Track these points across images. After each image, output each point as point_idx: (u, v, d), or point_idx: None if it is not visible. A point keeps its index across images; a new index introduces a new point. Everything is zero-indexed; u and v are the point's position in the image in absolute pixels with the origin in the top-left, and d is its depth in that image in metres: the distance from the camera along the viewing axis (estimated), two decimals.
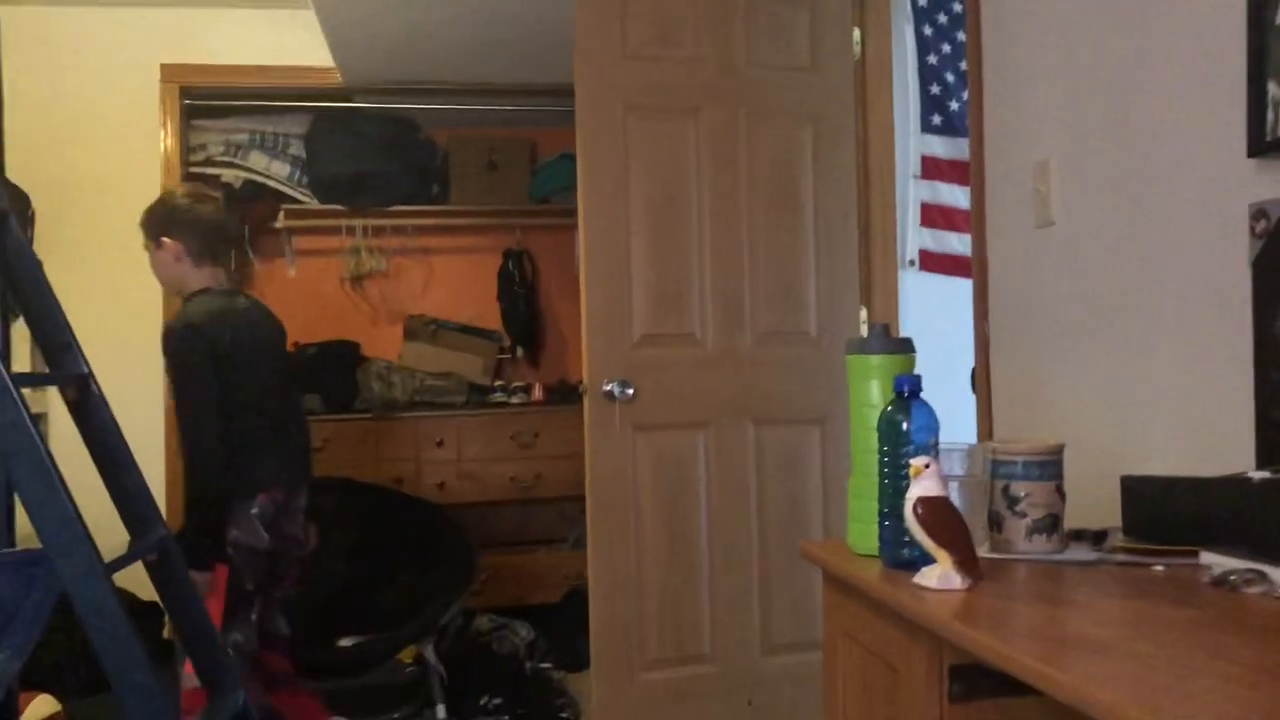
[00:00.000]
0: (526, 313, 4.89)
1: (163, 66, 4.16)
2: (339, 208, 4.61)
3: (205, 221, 2.72)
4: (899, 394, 1.42)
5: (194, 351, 2.55)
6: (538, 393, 4.64)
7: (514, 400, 4.62)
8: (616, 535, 2.87)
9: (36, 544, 1.67)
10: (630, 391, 2.86)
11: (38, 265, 1.91)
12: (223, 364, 2.57)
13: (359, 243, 4.73)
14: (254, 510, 2.61)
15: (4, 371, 1.59)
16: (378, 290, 4.89)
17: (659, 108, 2.96)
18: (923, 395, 1.42)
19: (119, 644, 1.62)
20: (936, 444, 1.40)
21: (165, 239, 2.68)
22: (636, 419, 2.88)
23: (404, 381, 4.52)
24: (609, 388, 2.85)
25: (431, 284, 4.94)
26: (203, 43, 4.16)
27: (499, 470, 4.42)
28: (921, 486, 1.31)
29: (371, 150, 4.50)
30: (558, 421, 4.40)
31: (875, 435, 1.44)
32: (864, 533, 1.49)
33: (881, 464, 1.43)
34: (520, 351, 4.90)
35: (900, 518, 1.36)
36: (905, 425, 1.39)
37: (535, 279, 4.97)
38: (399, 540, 3.88)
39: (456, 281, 4.94)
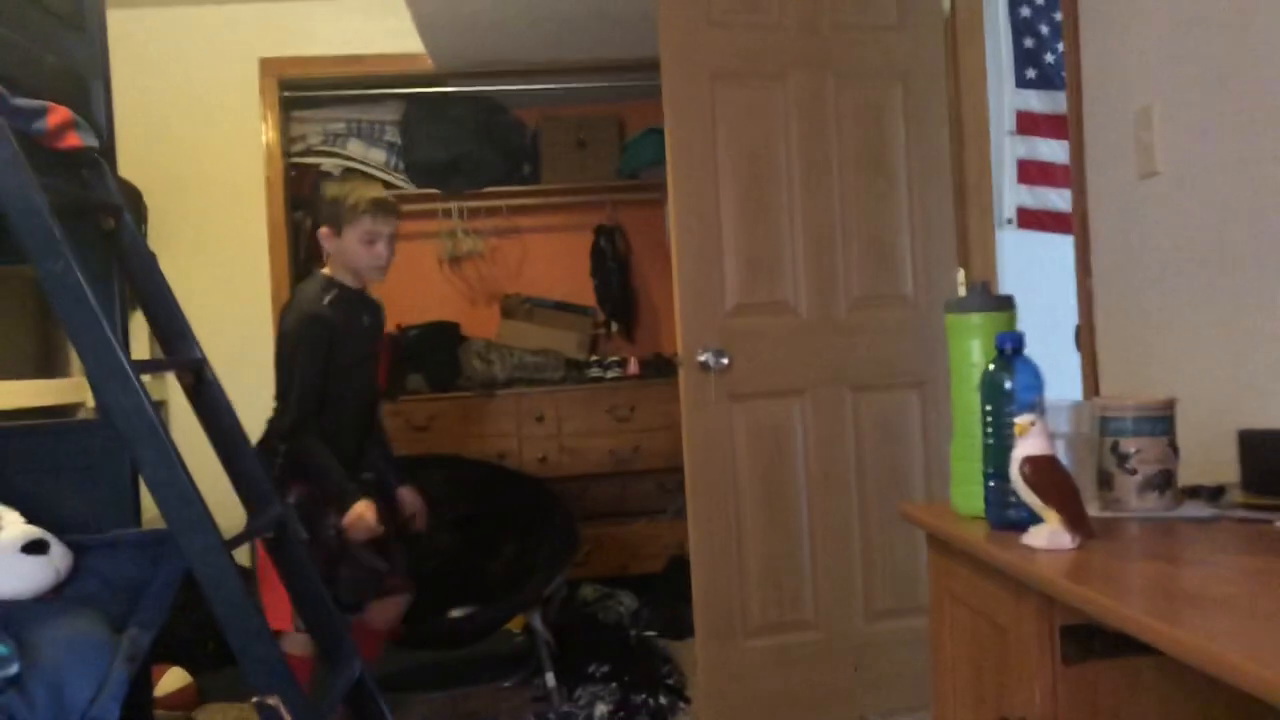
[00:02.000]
0: (620, 288, 4.92)
1: (261, 60, 4.27)
2: (434, 191, 4.69)
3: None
4: (1001, 351, 1.39)
5: None
6: (633, 366, 4.67)
7: (610, 375, 4.65)
8: (716, 505, 2.88)
9: (161, 525, 1.75)
10: (725, 361, 2.86)
11: (152, 258, 1.99)
12: None
13: (455, 225, 4.80)
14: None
15: (125, 359, 1.66)
16: (475, 271, 4.97)
17: (745, 74, 2.94)
18: (1025, 353, 1.39)
19: (240, 617, 1.68)
20: (1042, 401, 1.38)
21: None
22: (732, 388, 2.88)
23: (503, 359, 4.59)
24: (704, 358, 2.85)
25: (526, 263, 5.00)
26: (299, 36, 4.26)
27: (598, 444, 4.46)
28: (1028, 445, 1.29)
29: (464, 134, 4.56)
30: (654, 394, 4.43)
31: (977, 395, 1.42)
32: (969, 494, 1.47)
33: (985, 424, 1.41)
34: (615, 326, 4.93)
35: (1006, 478, 1.34)
36: (1008, 383, 1.37)
37: (628, 254, 4.99)
38: (504, 514, 3.95)
39: (550, 259, 4.99)
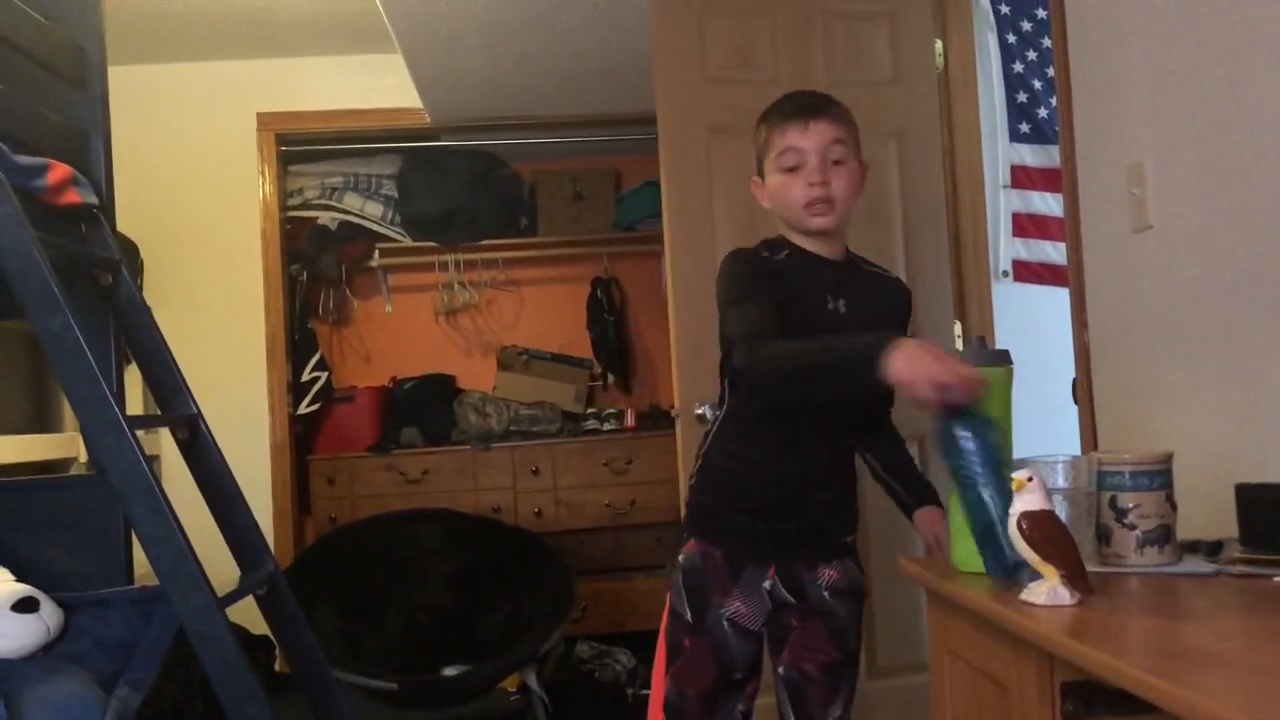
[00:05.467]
0: (616, 340, 4.92)
1: (259, 115, 4.31)
2: (431, 244, 4.71)
3: None
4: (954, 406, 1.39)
5: None
6: (630, 419, 4.66)
7: (607, 427, 4.64)
8: None
9: (153, 580, 1.73)
10: None
11: (148, 313, 2.00)
12: None
13: (452, 277, 4.82)
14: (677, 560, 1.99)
15: (120, 415, 1.65)
16: (471, 323, 4.98)
17: (741, 129, 2.94)
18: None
19: (234, 677, 1.67)
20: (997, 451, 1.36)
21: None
22: None
23: (499, 412, 4.59)
24: (701, 410, 2.84)
25: (522, 315, 5.01)
26: (296, 91, 4.30)
27: (594, 497, 4.44)
28: (1025, 500, 1.28)
29: (460, 187, 4.59)
30: (651, 447, 4.42)
31: None
32: (967, 549, 1.46)
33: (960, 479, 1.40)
34: (611, 378, 4.93)
35: (991, 533, 1.34)
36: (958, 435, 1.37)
37: (624, 306, 5.00)
38: (499, 569, 3.92)
39: (547, 311, 5.01)
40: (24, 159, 1.73)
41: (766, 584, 1.93)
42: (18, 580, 1.86)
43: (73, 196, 1.85)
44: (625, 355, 4.97)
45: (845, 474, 2.00)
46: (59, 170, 1.82)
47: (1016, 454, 1.48)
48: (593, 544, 4.58)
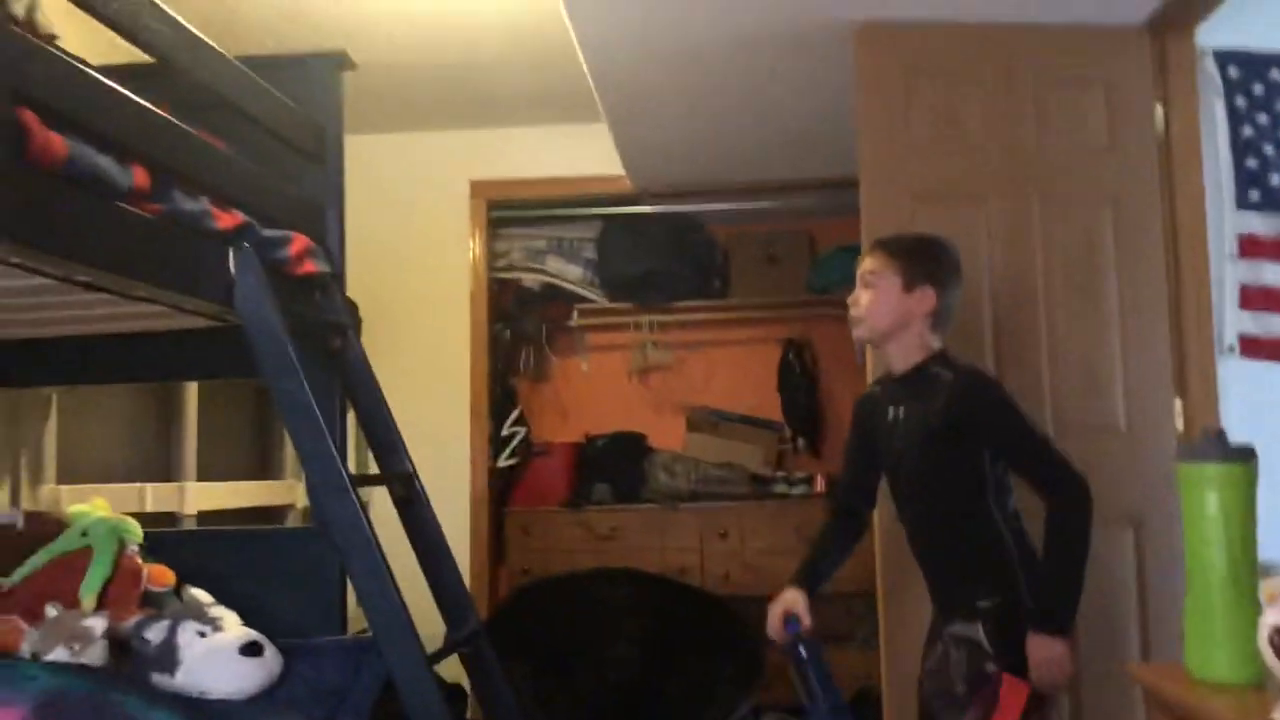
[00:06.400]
0: (807, 403, 4.87)
1: (472, 183, 4.51)
2: (627, 305, 4.80)
3: (960, 289, 2.37)
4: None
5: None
6: (820, 484, 4.59)
7: (795, 491, 4.59)
8: (914, 635, 2.76)
9: (362, 625, 1.80)
10: None
11: (371, 374, 2.11)
12: None
13: (645, 337, 4.89)
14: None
15: (346, 474, 1.75)
16: (663, 382, 5.03)
17: (946, 196, 2.90)
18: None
19: None
20: None
21: (927, 286, 2.26)
22: None
23: (688, 472, 4.60)
24: None
25: (714, 376, 5.03)
26: (507, 159, 4.48)
27: (783, 563, 4.32)
28: (1276, 613, 1.19)
29: (657, 250, 4.68)
30: None
31: (1213, 550, 1.32)
32: (1206, 656, 1.36)
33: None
34: (801, 442, 4.87)
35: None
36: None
37: (816, 369, 4.96)
38: (687, 632, 3.90)
39: (738, 373, 5.01)
40: (269, 232, 1.86)
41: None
42: (244, 625, 1.97)
43: (310, 266, 1.98)
44: (816, 419, 4.91)
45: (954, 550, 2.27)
46: (299, 242, 1.95)
47: (1261, 555, 1.38)
48: None
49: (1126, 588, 2.81)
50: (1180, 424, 2.91)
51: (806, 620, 2.30)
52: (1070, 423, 2.85)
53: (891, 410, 2.30)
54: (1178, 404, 2.93)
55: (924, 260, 2.28)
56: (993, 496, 2.21)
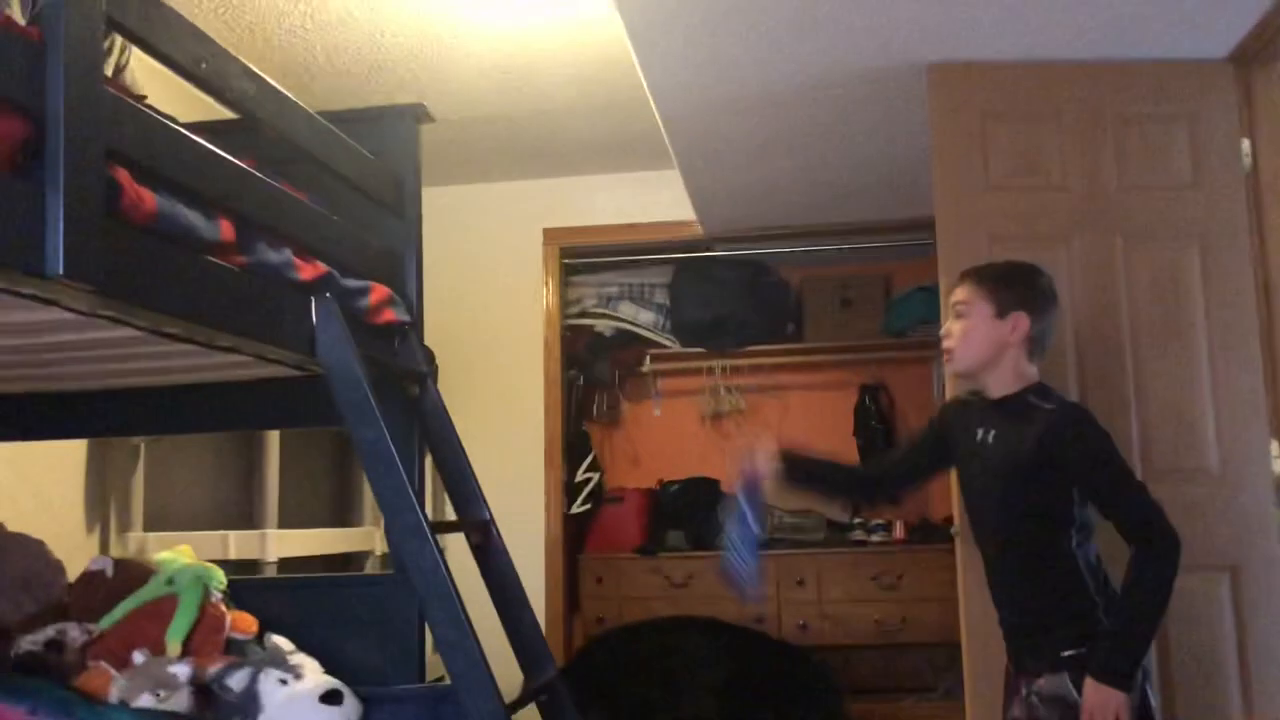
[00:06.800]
0: (884, 448, 4.80)
1: (545, 230, 4.56)
2: (699, 350, 4.79)
3: (1055, 314, 2.31)
4: None
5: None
6: (899, 531, 4.51)
7: (874, 538, 4.51)
8: (997, 686, 2.68)
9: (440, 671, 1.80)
10: None
11: (449, 421, 2.12)
12: None
13: (718, 382, 4.87)
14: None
15: (426, 522, 1.75)
16: (736, 427, 4.99)
17: (1025, 237, 2.85)
18: None
19: None
20: None
21: (1020, 312, 2.19)
22: None
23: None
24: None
25: (787, 420, 4.99)
26: (579, 207, 4.52)
27: (862, 612, 4.30)
28: None
29: (729, 294, 4.67)
30: (922, 562, 4.24)
31: None
32: None
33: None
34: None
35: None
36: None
37: (892, 413, 4.89)
38: (765, 681, 3.84)
39: (812, 417, 4.96)
40: (350, 282, 1.90)
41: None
42: (325, 673, 1.98)
43: (389, 315, 2.01)
44: None
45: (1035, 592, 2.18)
46: (379, 292, 1.98)
47: None
48: (859, 661, 4.42)
49: (1225, 637, 2.70)
50: (1278, 467, 2.81)
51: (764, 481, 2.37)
52: (1160, 467, 2.77)
53: (980, 431, 2.22)
54: (1274, 447, 2.83)
55: (1015, 286, 2.23)
56: (1076, 538, 2.13)
